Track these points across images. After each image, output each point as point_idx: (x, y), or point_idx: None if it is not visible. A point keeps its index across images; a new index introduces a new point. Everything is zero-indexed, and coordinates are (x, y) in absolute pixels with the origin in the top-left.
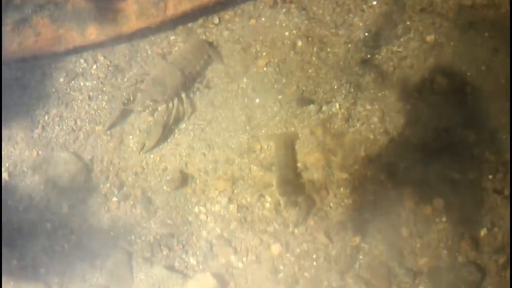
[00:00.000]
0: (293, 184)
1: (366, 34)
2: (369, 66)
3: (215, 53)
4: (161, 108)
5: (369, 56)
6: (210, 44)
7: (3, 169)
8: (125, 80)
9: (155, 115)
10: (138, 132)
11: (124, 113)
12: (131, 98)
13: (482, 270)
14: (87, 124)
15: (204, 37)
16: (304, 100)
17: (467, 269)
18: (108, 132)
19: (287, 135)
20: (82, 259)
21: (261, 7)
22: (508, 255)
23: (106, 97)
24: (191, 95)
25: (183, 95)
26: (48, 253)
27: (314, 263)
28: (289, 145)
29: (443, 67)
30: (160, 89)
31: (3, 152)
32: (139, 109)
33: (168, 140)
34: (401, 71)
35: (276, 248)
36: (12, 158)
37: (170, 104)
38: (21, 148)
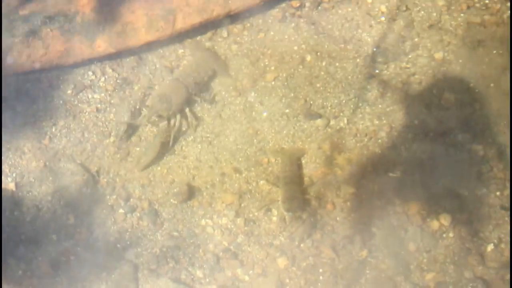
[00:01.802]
0: (298, 200)
1: (375, 49)
2: (377, 81)
3: (220, 67)
4: (162, 125)
5: (377, 71)
6: (216, 57)
7: (10, 179)
8: (130, 96)
9: (155, 130)
10: (137, 148)
11: (131, 127)
12: (137, 107)
13: (488, 286)
14: (94, 136)
15: (212, 50)
16: (312, 114)
17: (473, 284)
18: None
19: (293, 151)
20: (88, 271)
21: (270, 21)
22: None
23: (114, 109)
24: (197, 108)
25: (187, 110)
26: (54, 264)
27: (320, 277)
28: (294, 161)
29: (451, 83)
30: (166, 106)
31: (10, 162)
32: (145, 123)
33: (176, 153)
34: (409, 87)
35: (282, 262)
36: (19, 168)
37: (172, 121)
38: (28, 158)
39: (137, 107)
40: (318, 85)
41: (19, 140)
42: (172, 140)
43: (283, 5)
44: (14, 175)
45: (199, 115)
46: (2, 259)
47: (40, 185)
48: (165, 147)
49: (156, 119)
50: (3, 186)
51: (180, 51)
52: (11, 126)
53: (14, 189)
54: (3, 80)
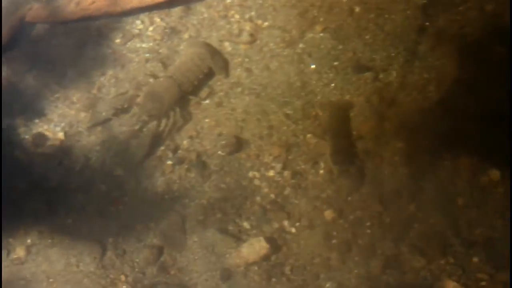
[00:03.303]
0: (347, 153)
1: (425, 1)
2: (427, 34)
3: (217, 65)
4: (152, 124)
5: (427, 23)
6: (213, 54)
7: (59, 129)
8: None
9: (144, 130)
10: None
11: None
12: (125, 106)
13: None
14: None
15: (260, 2)
16: (361, 67)
17: None
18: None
19: (341, 104)
20: (136, 221)
21: None
22: None
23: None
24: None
25: (178, 110)
26: (102, 213)
27: (368, 230)
28: (343, 114)
29: (502, 36)
30: (158, 105)
31: (59, 112)
32: (135, 122)
33: (224, 105)
34: (459, 40)
35: (329, 214)
36: (68, 118)
37: (163, 121)
38: (77, 108)
39: (125, 105)
40: (367, 37)
41: (68, 90)
42: (162, 136)
43: None
44: (63, 124)
45: (246, 66)
46: (53, 208)
47: (89, 135)
48: (156, 142)
49: (147, 119)
50: (52, 135)
51: (228, 1)
52: (59, 75)
53: (63, 138)
54: (53, 28)
